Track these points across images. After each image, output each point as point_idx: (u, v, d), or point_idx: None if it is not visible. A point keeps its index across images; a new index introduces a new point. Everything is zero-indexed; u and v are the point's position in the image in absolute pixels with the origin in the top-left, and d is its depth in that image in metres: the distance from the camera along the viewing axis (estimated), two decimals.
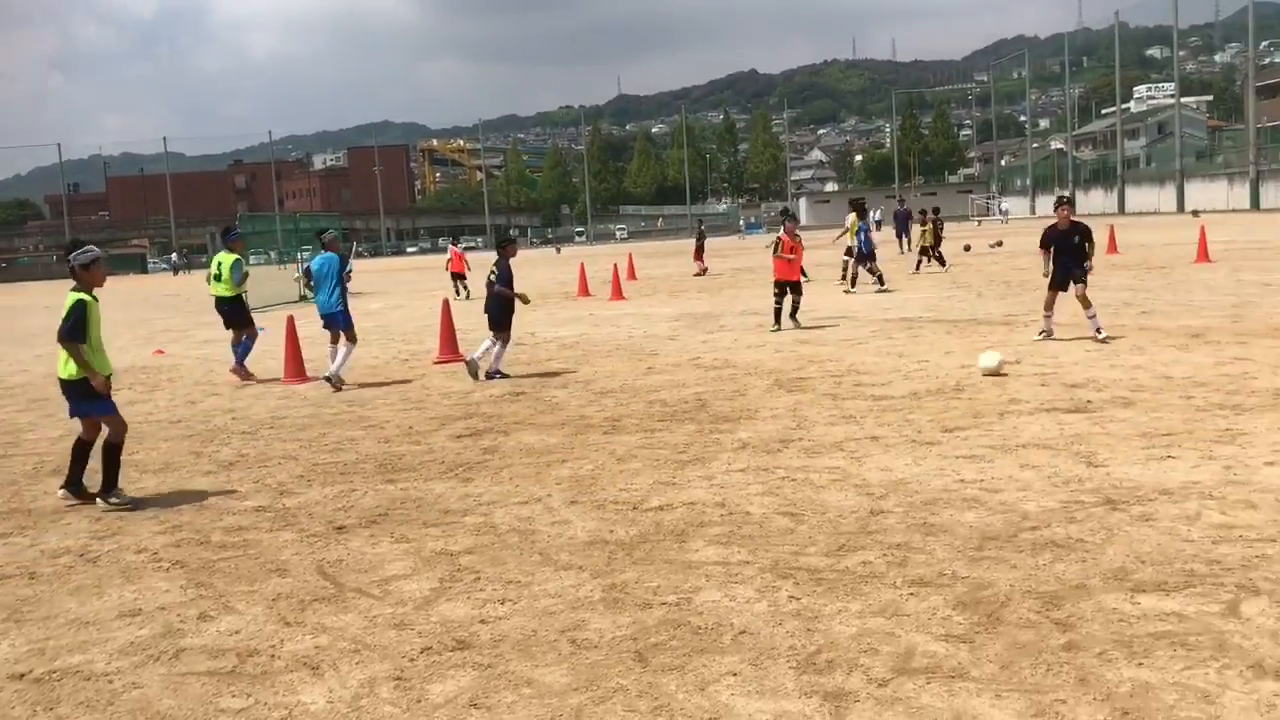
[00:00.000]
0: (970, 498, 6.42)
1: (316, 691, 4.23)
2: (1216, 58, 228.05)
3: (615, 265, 30.78)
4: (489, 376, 12.74)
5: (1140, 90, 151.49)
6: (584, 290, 27.75)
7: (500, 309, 12.91)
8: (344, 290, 13.17)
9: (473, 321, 21.69)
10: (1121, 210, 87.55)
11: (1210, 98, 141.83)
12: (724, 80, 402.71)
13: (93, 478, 7.61)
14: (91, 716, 4.15)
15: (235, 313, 14.52)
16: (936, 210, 31.45)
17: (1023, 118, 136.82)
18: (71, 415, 7.69)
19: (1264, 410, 8.34)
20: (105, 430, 7.55)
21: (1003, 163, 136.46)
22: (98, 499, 7.49)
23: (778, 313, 16.37)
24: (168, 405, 12.48)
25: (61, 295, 7.74)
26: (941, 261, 28.97)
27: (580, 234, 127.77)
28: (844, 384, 10.95)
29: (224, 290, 14.51)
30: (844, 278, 24.11)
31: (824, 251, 34.21)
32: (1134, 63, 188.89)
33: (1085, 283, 12.91)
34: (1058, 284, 13.04)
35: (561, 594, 5.17)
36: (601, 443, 8.72)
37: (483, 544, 6.08)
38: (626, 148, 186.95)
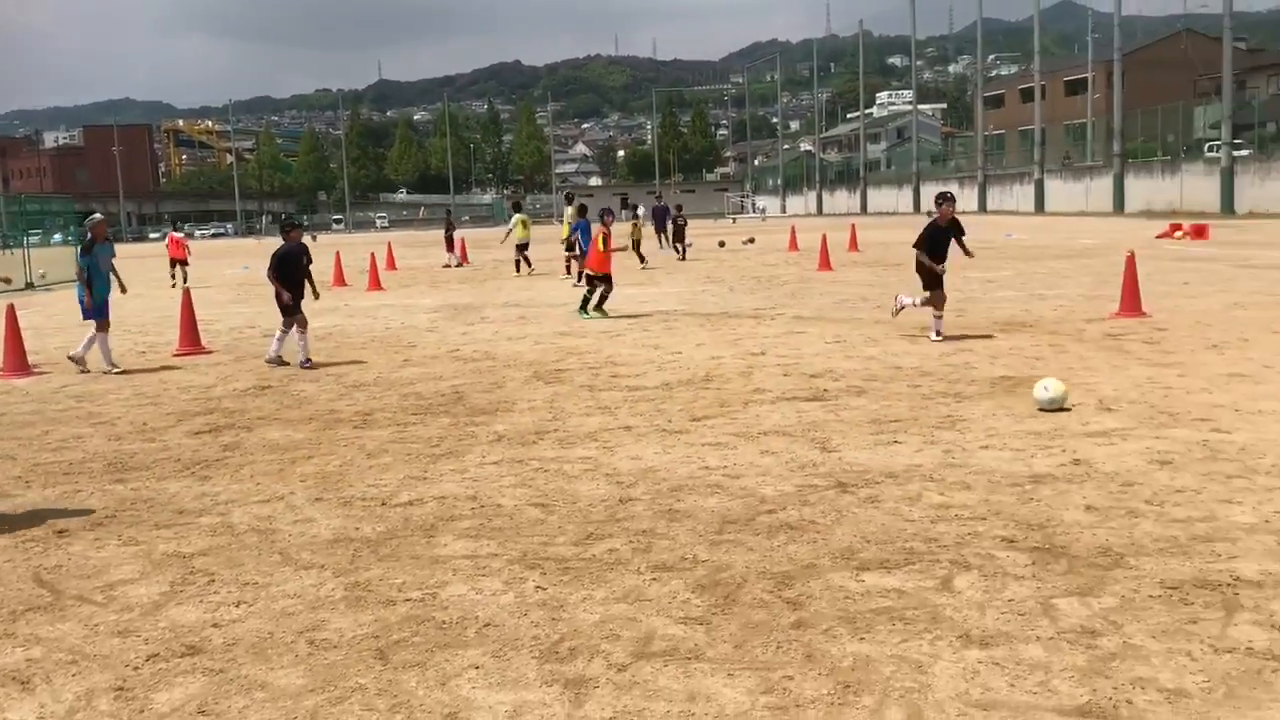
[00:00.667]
0: (714, 484, 6.64)
1: (26, 708, 3.94)
2: (950, 68, 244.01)
3: (373, 254, 30.08)
4: (303, 366, 12.51)
5: (882, 96, 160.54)
6: (340, 280, 26.97)
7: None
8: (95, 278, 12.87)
9: (214, 312, 20.72)
10: (864, 210, 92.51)
11: (944, 105, 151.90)
12: (488, 70, 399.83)
13: None
14: None
15: None
16: (680, 208, 33.85)
17: (775, 119, 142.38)
18: None
19: (981, 398, 9.01)
20: None
21: (756, 162, 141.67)
22: None
23: (586, 300, 16.86)
24: None
25: None
26: (682, 255, 31.59)
27: (338, 222, 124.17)
28: (601, 375, 11.10)
29: None
30: (569, 272, 24.94)
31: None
32: (877, 70, 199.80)
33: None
34: (939, 280, 12.61)
35: (301, 594, 5.01)
36: (351, 437, 8.51)
37: (219, 545, 5.82)
38: (387, 134, 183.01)
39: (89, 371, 12.78)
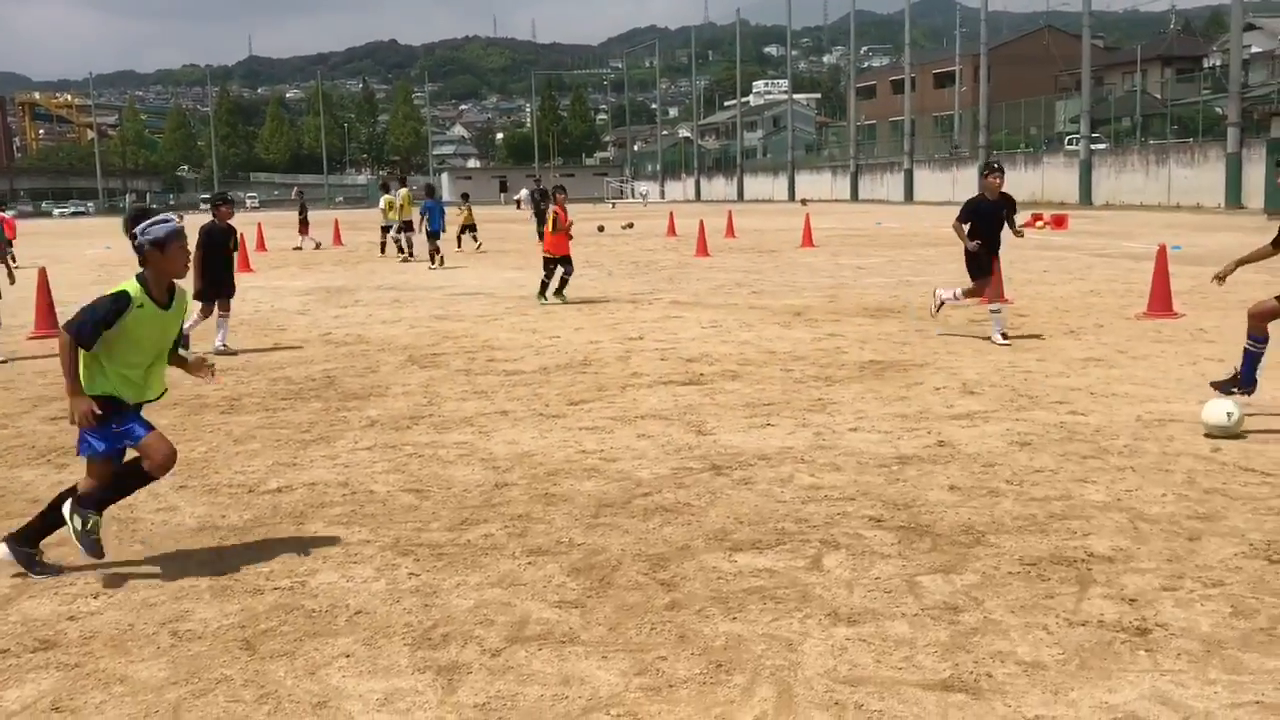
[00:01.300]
0: (590, 467, 6.65)
1: None
2: (825, 59, 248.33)
3: (242, 235, 29.17)
4: (217, 351, 11.84)
5: (759, 85, 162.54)
6: None
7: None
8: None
9: (74, 294, 19.88)
10: (740, 197, 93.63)
11: (819, 95, 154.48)
12: (364, 48, 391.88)
13: None
14: None
15: None
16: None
17: (654, 105, 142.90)
18: None
19: (850, 381, 9.22)
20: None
21: (635, 148, 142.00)
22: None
23: (545, 285, 16.15)
24: None
25: None
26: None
27: (206, 201, 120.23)
28: (478, 360, 11.01)
29: None
30: (383, 253, 24.98)
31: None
32: (754, 59, 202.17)
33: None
34: (985, 267, 10.94)
35: (164, 584, 4.85)
36: (218, 423, 8.27)
37: None
38: (258, 112, 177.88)
39: None
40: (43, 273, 14.74)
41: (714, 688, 3.72)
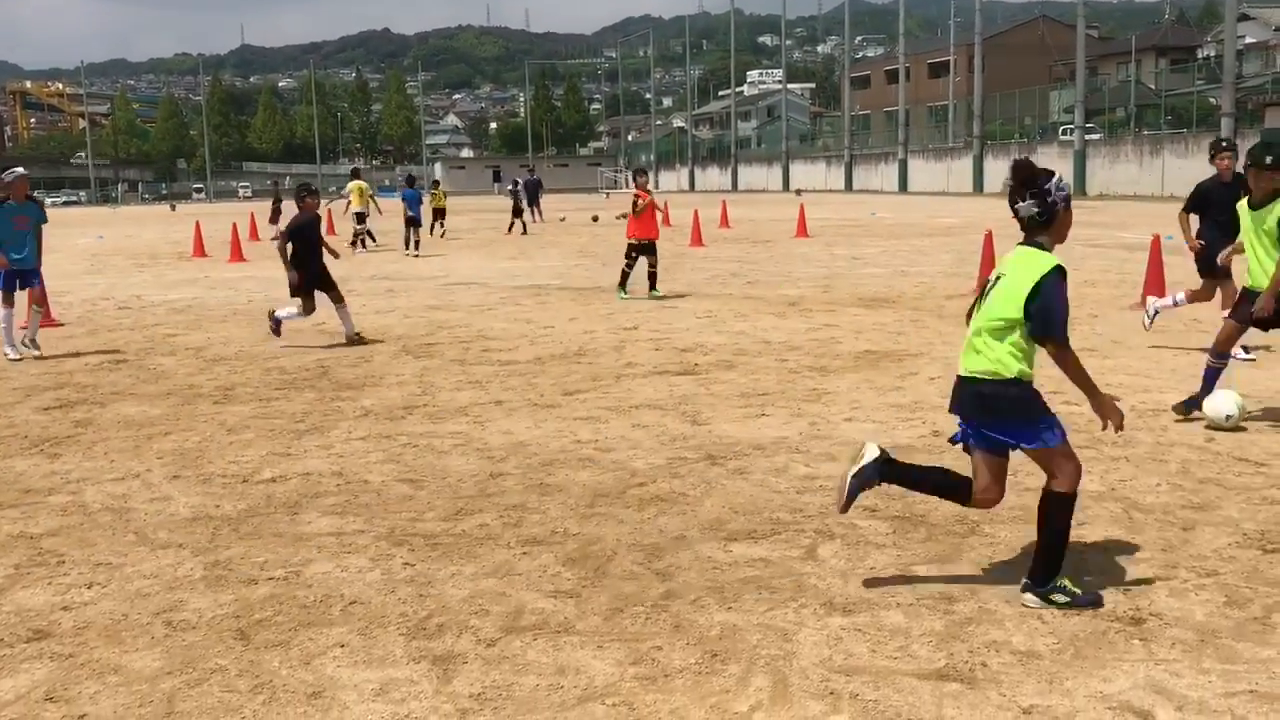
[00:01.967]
0: (585, 457, 6.64)
1: None
2: (819, 48, 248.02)
3: (235, 225, 29.14)
4: (350, 341, 11.78)
5: (753, 75, 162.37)
6: (200, 251, 26.08)
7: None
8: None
9: (66, 283, 19.84)
10: (735, 187, 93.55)
11: (813, 85, 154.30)
12: (356, 37, 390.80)
13: None
14: None
15: None
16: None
17: (648, 95, 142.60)
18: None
19: (845, 371, 9.22)
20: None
21: (629, 138, 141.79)
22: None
23: (625, 276, 14.90)
24: None
25: None
26: (524, 229, 32.67)
27: (199, 191, 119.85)
28: (472, 349, 10.99)
29: None
30: (355, 246, 25.81)
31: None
32: (748, 48, 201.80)
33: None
34: (1216, 265, 8.97)
35: (158, 574, 4.84)
36: (211, 413, 8.25)
37: (70, 525, 5.58)
38: (251, 101, 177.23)
39: None
40: None
41: (709, 677, 3.72)
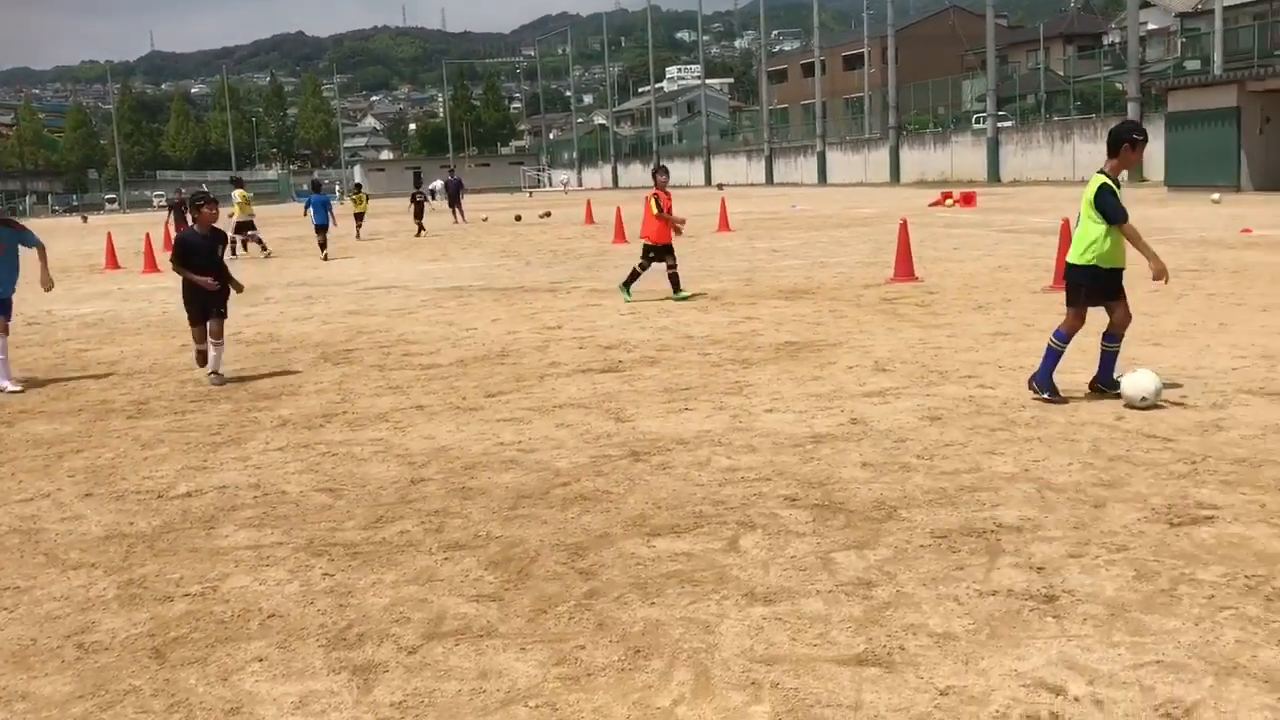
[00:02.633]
0: (509, 459, 6.62)
1: None
2: (736, 43, 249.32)
3: (148, 235, 28.49)
4: (210, 380, 9.65)
5: (672, 71, 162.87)
6: (112, 263, 25.48)
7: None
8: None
9: None
10: None
11: (732, 80, 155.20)
12: (270, 41, 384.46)
13: None
14: None
15: None
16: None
17: (568, 93, 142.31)
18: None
19: (766, 363, 9.29)
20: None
21: (551, 136, 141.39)
22: None
23: (635, 276, 14.22)
24: None
25: None
26: (421, 229, 32.43)
27: (112, 201, 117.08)
28: (392, 354, 10.88)
29: None
30: (235, 253, 25.23)
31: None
32: (666, 45, 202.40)
33: None
34: None
35: (69, 596, 4.72)
36: (124, 428, 8.06)
37: None
38: (163, 108, 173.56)
39: None
40: None
41: (632, 674, 3.73)
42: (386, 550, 5.10)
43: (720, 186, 68.42)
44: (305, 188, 29.56)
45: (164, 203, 27.20)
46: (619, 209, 29.40)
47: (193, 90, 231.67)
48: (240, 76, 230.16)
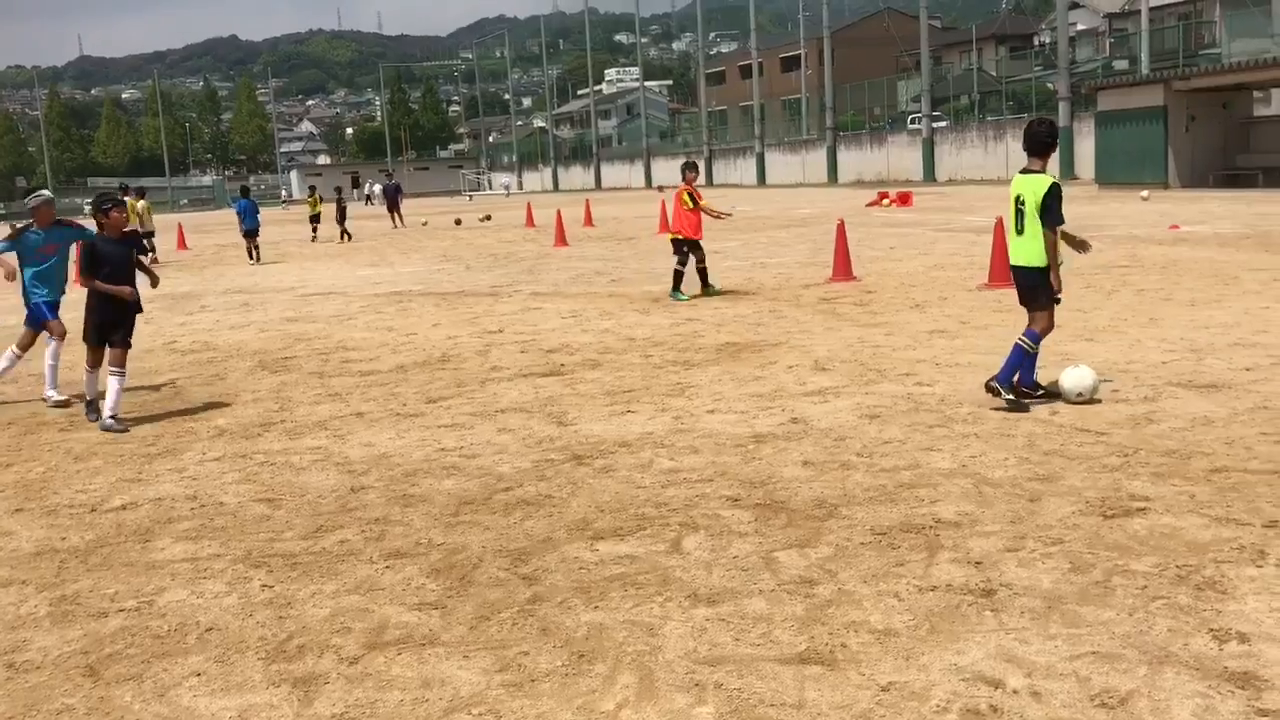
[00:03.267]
0: (450, 465, 6.57)
1: None
2: (674, 45, 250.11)
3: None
4: (103, 424, 8.24)
5: (611, 73, 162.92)
6: None
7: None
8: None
9: None
10: (598, 185, 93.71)
11: (670, 82, 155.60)
12: (202, 45, 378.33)
13: None
14: None
15: None
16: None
17: (507, 96, 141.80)
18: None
19: (708, 364, 9.33)
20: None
21: (491, 139, 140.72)
22: None
23: (681, 276, 13.90)
24: None
25: None
26: (346, 236, 31.96)
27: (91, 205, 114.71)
28: (331, 361, 10.77)
29: None
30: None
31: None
32: (604, 47, 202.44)
33: None
34: None
35: None
36: (56, 441, 7.89)
37: None
38: (93, 114, 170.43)
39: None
40: None
41: (576, 679, 3.72)
42: (326, 560, 5.04)
43: (661, 189, 68.52)
44: (236, 194, 29.36)
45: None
46: (559, 212, 29.34)
47: (124, 95, 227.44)
48: (173, 81, 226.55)
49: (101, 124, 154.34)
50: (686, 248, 13.99)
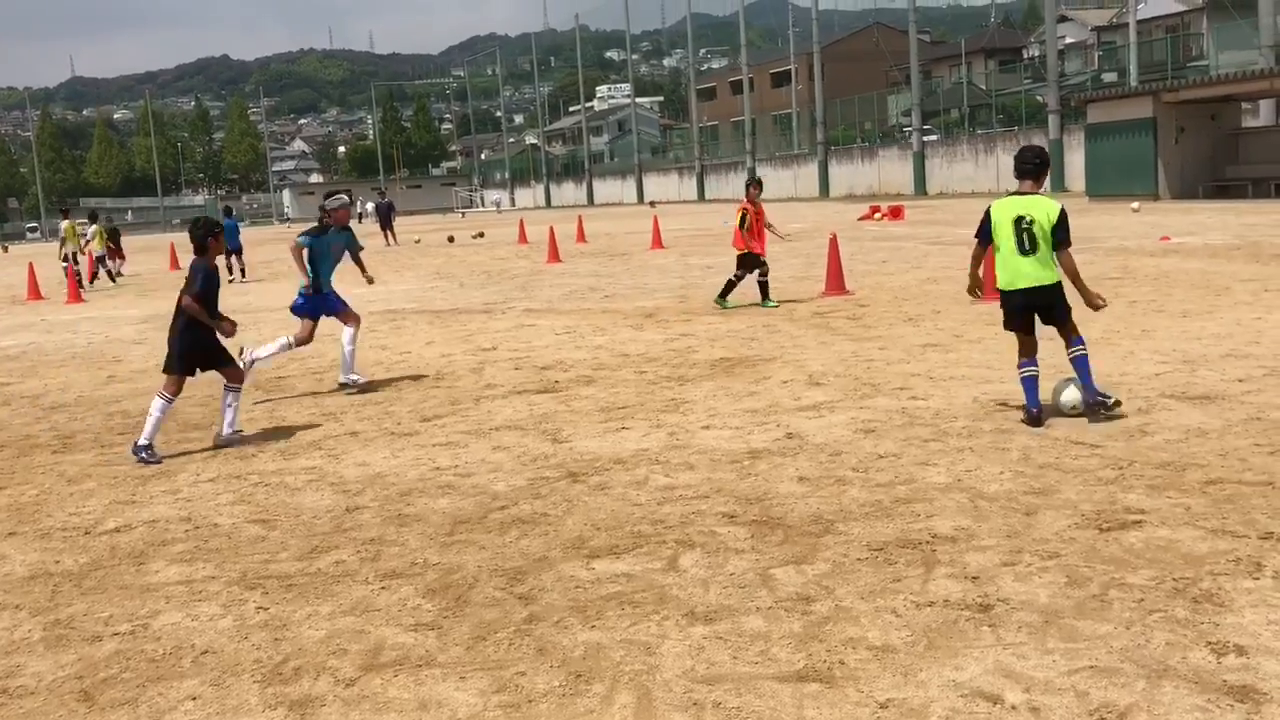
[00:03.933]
0: (445, 484, 6.56)
1: None
2: (665, 62, 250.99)
3: (71, 265, 27.84)
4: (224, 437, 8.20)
5: (602, 90, 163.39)
6: (35, 293, 24.87)
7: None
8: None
9: None
10: (590, 201, 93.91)
11: (661, 99, 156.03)
12: (194, 65, 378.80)
13: None
14: None
15: None
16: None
17: (498, 113, 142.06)
18: None
19: (702, 380, 9.33)
20: None
21: (483, 156, 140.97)
22: None
23: (732, 286, 14.32)
24: None
25: None
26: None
27: (34, 230, 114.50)
28: (325, 380, 10.76)
29: None
30: (92, 282, 26.45)
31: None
32: (595, 64, 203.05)
33: None
34: None
35: None
36: (49, 464, 7.87)
37: None
38: (85, 135, 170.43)
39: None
40: None
41: (574, 699, 3.71)
42: (322, 581, 5.02)
43: (653, 204, 68.68)
44: (222, 213, 29.38)
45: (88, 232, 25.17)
46: (552, 228, 29.38)
47: (115, 116, 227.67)
48: (164, 101, 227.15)
49: (93, 144, 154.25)
50: (752, 264, 14.16)
